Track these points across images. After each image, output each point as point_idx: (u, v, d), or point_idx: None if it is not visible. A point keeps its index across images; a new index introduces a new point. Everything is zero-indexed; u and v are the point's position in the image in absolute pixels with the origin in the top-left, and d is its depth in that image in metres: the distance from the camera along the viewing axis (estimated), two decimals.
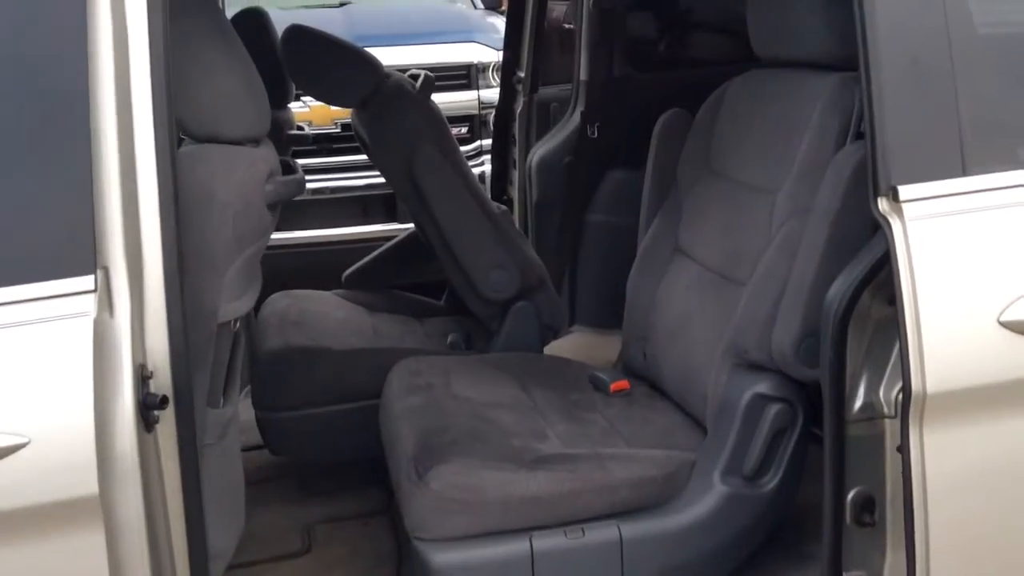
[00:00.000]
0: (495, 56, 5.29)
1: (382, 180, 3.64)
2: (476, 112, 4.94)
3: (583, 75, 3.63)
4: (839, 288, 1.71)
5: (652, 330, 2.39)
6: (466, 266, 2.62)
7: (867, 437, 1.75)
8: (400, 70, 2.93)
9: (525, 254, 2.72)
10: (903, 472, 1.45)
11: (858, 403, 1.75)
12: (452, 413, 2.13)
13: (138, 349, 1.44)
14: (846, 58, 2.02)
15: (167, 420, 1.50)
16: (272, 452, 2.69)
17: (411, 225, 3.44)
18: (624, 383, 2.40)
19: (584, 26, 3.58)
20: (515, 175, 3.90)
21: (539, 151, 3.75)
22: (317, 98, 2.92)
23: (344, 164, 4.49)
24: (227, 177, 1.74)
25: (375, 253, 3.31)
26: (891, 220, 1.43)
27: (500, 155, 3.98)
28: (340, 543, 2.56)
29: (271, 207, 1.89)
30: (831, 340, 1.71)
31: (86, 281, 1.39)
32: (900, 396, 1.71)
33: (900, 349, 1.41)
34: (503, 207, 2.84)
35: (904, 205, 1.42)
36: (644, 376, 2.45)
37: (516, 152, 3.91)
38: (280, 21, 2.85)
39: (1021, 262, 1.43)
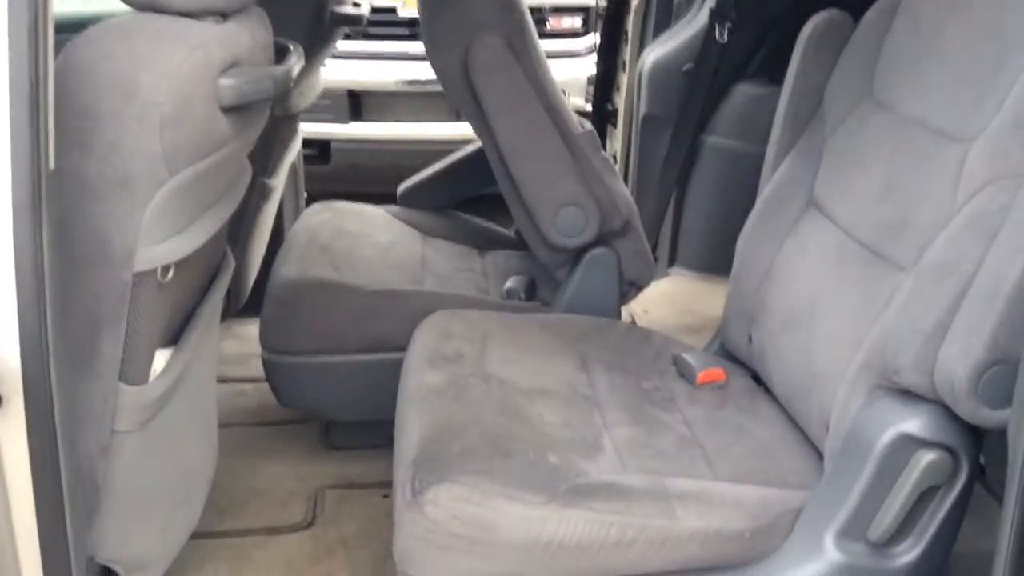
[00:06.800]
0: None
1: None
2: (593, 1, 4.26)
3: None
4: None
5: (764, 309, 1.79)
6: (529, 200, 2.03)
7: None
8: None
9: (610, 188, 2.10)
10: None
11: None
12: (476, 402, 1.59)
13: None
14: None
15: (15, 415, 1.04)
16: (279, 401, 2.22)
17: None
18: (718, 372, 1.82)
19: None
20: (624, 80, 3.26)
21: (653, 54, 3.12)
22: None
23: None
24: (158, 65, 1.21)
25: (437, 166, 2.75)
26: None
27: (608, 54, 3.32)
28: (348, 518, 2.11)
29: (231, 111, 1.34)
30: None
31: None
32: None
33: None
34: (588, 125, 2.21)
35: None
36: (745, 364, 1.87)
37: (628, 52, 3.26)
38: None
39: None
